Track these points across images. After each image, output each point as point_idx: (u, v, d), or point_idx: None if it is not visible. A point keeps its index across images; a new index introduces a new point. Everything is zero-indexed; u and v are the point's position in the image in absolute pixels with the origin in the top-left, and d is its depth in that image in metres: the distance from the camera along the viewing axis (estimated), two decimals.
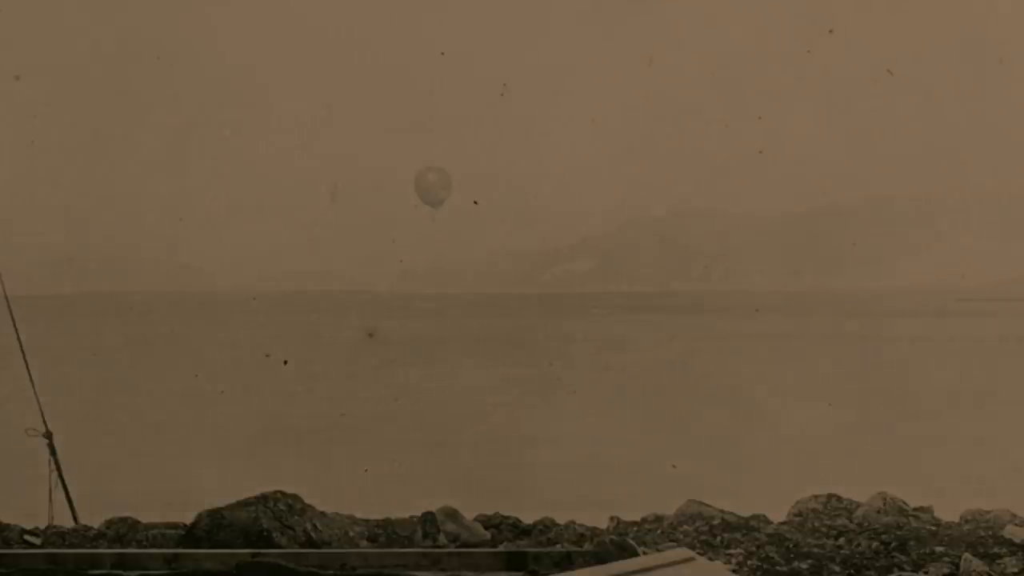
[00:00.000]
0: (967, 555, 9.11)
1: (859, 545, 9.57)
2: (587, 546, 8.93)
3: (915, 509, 10.48)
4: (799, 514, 10.44)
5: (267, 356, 26.43)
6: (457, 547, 9.11)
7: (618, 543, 8.43)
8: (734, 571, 8.67)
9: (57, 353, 22.06)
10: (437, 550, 8.74)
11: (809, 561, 9.10)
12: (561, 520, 9.96)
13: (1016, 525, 10.03)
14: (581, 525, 9.90)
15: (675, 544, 9.02)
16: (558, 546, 9.19)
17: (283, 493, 9.56)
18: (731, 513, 10.21)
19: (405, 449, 19.36)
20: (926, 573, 8.99)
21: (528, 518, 10.01)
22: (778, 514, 10.51)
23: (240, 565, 7.80)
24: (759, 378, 24.20)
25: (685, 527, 9.87)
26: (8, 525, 10.04)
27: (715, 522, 9.96)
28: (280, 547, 8.70)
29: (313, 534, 9.13)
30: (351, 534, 9.37)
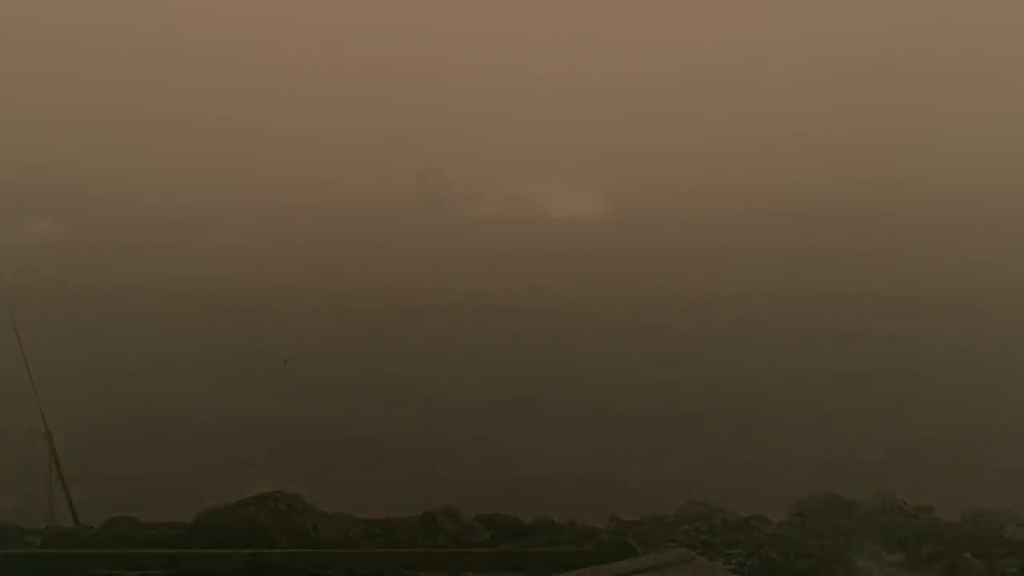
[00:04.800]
0: (967, 555, 9.10)
1: (860, 545, 9.55)
2: (587, 546, 8.91)
3: (915, 509, 10.46)
4: (799, 514, 10.42)
5: (267, 356, 26.31)
6: (457, 547, 9.08)
7: (618, 543, 8.43)
8: (734, 571, 8.65)
9: (57, 353, 22.01)
10: (437, 550, 8.73)
11: (809, 561, 9.07)
12: (561, 520, 9.93)
13: (1016, 525, 10.02)
14: (581, 525, 9.87)
15: (675, 544, 8.99)
16: (558, 546, 9.16)
17: (283, 493, 9.55)
18: (731, 513, 10.18)
19: (406, 449, 19.33)
20: (926, 573, 8.98)
21: (528, 518, 9.98)
22: (778, 514, 10.48)
23: (240, 565, 7.78)
24: (758, 377, 24.15)
25: (685, 527, 9.84)
26: (8, 525, 10.01)
27: (715, 522, 9.93)
28: (280, 547, 8.67)
29: (313, 534, 9.11)
30: (351, 534, 9.35)
